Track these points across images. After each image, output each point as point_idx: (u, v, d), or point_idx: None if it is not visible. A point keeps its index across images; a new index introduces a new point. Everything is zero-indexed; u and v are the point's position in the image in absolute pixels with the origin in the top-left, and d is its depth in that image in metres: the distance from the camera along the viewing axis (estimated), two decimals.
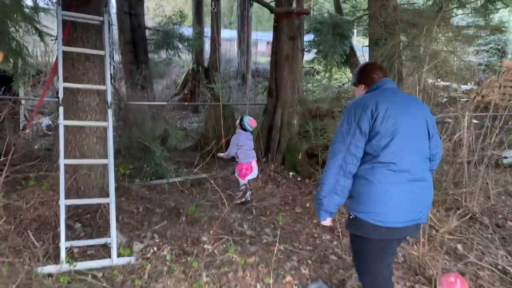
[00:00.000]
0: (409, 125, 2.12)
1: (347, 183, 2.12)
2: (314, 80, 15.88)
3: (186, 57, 18.13)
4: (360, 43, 17.45)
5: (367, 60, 16.12)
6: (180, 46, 12.67)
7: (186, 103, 11.98)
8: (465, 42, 7.30)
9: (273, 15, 6.22)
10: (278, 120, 6.24)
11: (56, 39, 3.53)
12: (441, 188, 4.38)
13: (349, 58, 14.50)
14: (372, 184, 2.07)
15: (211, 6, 14.85)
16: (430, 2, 8.85)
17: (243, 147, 4.83)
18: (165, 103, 9.66)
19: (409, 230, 2.15)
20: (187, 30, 13.71)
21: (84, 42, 3.85)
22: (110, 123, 3.37)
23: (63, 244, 3.01)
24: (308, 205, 4.60)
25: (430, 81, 5.33)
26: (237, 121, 4.91)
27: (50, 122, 10.29)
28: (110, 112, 3.40)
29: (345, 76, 16.94)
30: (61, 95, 3.24)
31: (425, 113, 2.24)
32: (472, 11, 8.50)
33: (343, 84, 16.67)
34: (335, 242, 3.63)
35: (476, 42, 8.64)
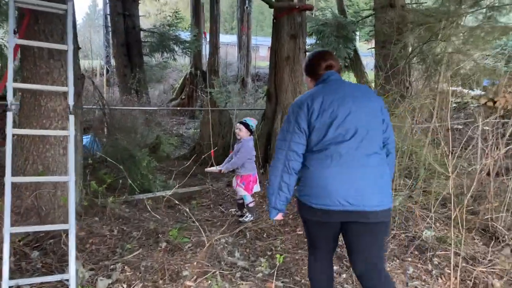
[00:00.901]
0: (349, 113, 2.13)
1: (291, 180, 2.19)
2: None
3: (184, 61, 17.63)
4: (362, 48, 16.92)
5: (370, 64, 15.43)
6: (177, 48, 12.11)
7: (178, 108, 11.37)
8: (481, 44, 6.74)
9: (272, 13, 5.64)
10: (278, 126, 5.64)
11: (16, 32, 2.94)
12: (461, 205, 3.80)
13: (353, 61, 13.96)
14: (308, 169, 2.15)
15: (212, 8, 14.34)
16: (440, 1, 8.33)
17: (251, 156, 4.32)
18: (155, 108, 9.05)
19: (351, 216, 2.09)
20: (185, 35, 13.15)
21: (47, 35, 3.27)
22: (72, 132, 2.78)
23: (6, 283, 2.40)
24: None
25: (444, 86, 4.75)
26: (241, 127, 4.32)
27: None
28: (72, 119, 2.80)
29: (349, 80, 16.42)
30: (10, 98, 2.64)
31: (374, 100, 2.23)
32: (487, 10, 7.94)
33: None
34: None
35: (492, 44, 8.06)
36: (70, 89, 2.85)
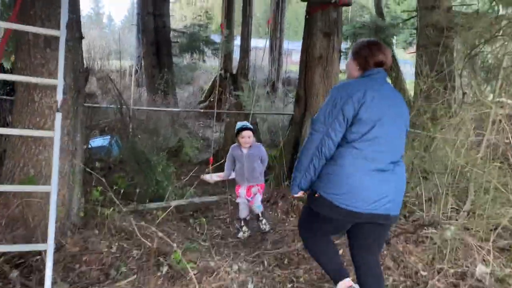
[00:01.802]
0: (392, 117, 2.15)
1: (320, 164, 2.18)
2: None
3: (214, 63, 17.32)
4: (398, 55, 16.07)
5: (407, 74, 14.62)
6: (206, 50, 11.74)
7: (201, 110, 10.96)
8: None
9: (305, 9, 5.11)
10: (306, 133, 5.07)
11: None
12: None
13: (391, 68, 13.21)
14: (341, 167, 2.10)
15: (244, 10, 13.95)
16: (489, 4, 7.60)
17: (237, 161, 3.99)
18: (177, 109, 8.66)
19: (373, 218, 2.14)
20: (216, 36, 12.79)
21: (44, 21, 2.87)
22: (57, 133, 2.34)
23: None
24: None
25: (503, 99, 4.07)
26: (250, 134, 3.88)
27: None
28: (59, 117, 2.36)
29: None
30: None
31: (405, 107, 2.27)
32: None
33: None
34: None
35: None
36: (60, 82, 2.41)
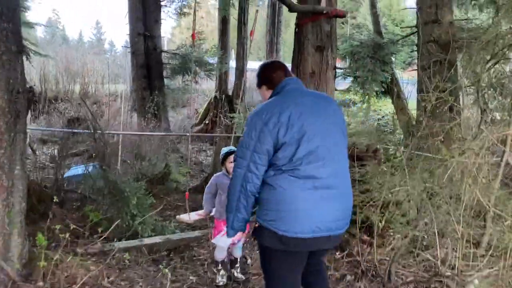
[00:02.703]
0: (318, 128, 2.02)
1: (249, 201, 2.04)
2: (349, 112, 14.09)
3: (210, 85, 16.92)
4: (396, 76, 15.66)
5: (408, 92, 14.09)
6: (199, 71, 11.31)
7: (188, 134, 10.43)
8: None
9: (295, 21, 4.64)
10: None
11: None
12: None
13: (390, 88, 12.73)
14: (276, 190, 1.98)
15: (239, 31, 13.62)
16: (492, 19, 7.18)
17: (222, 192, 3.34)
18: (162, 133, 8.13)
19: (320, 242, 2.00)
20: (210, 59, 12.40)
21: None
22: None
23: None
24: None
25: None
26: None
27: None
28: None
29: (384, 108, 15.11)
30: None
31: (337, 111, 2.16)
32: None
33: (382, 117, 14.81)
34: None
35: None
36: None
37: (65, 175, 6.98)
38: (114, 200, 4.74)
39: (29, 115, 11.90)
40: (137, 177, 7.19)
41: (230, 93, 13.86)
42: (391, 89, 12.60)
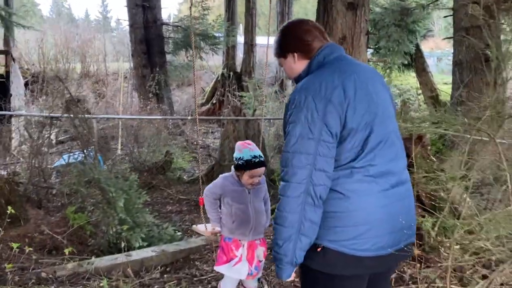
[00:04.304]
0: (384, 108, 1.53)
1: (318, 215, 1.42)
2: None
3: (216, 61, 15.92)
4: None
5: (434, 67, 12.89)
6: (203, 45, 10.33)
7: (179, 117, 9.53)
8: None
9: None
10: None
11: None
12: None
13: (415, 59, 11.60)
14: (348, 199, 1.43)
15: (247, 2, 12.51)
16: None
17: (231, 202, 2.33)
18: (160, 117, 7.23)
19: (396, 257, 1.50)
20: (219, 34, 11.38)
21: None
22: None
23: None
24: None
25: None
26: (262, 170, 2.32)
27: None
28: None
29: (407, 82, 13.99)
30: None
31: (387, 88, 1.64)
32: None
33: (404, 92, 13.69)
34: None
35: None
36: None
37: (54, 165, 6.20)
38: (98, 200, 3.92)
39: (27, 96, 11.16)
40: (135, 167, 6.38)
41: (238, 69, 12.88)
42: (415, 61, 11.53)
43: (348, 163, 1.46)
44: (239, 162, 2.27)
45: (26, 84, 11.54)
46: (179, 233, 4.14)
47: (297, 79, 1.62)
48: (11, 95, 9.21)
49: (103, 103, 12.39)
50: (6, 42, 10.14)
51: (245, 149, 2.30)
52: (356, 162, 1.45)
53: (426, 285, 2.48)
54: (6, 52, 9.55)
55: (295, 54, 1.61)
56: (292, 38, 1.63)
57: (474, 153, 3.28)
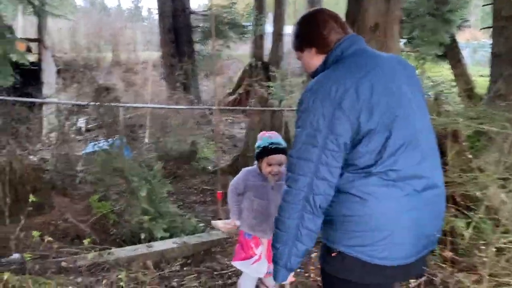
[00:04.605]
0: (409, 105, 1.40)
1: (317, 224, 1.39)
2: None
3: (244, 51, 15.80)
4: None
5: (469, 58, 12.38)
6: (232, 34, 10.22)
7: (208, 107, 9.44)
8: None
9: None
10: None
11: None
12: None
13: (450, 50, 11.12)
14: (365, 203, 1.34)
15: None
16: None
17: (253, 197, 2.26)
18: (184, 107, 7.18)
19: (417, 266, 1.44)
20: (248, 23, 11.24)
21: None
22: None
23: None
24: None
25: None
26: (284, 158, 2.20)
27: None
28: None
29: (441, 74, 13.47)
30: None
31: (416, 80, 1.52)
32: None
33: (437, 84, 13.19)
34: None
35: None
36: None
37: (82, 152, 6.27)
38: (122, 190, 3.92)
39: (59, 84, 11.38)
40: (161, 156, 6.39)
41: (266, 59, 12.71)
42: (449, 53, 11.06)
43: (366, 167, 1.37)
44: (257, 151, 2.21)
45: (58, 72, 11.78)
46: (201, 225, 4.10)
47: (313, 75, 1.53)
48: (42, 83, 9.41)
49: (132, 92, 12.53)
50: (39, 30, 10.32)
51: (264, 137, 2.25)
52: (374, 168, 1.36)
53: None
54: (39, 40, 9.74)
55: (312, 49, 1.52)
56: (307, 32, 1.54)
57: None
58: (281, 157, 2.18)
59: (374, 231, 1.36)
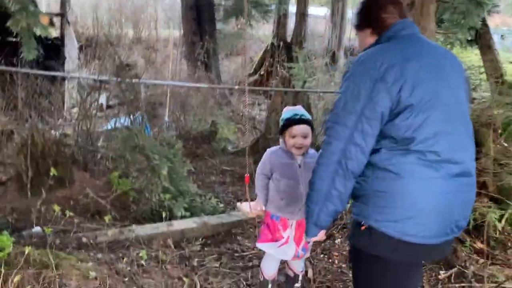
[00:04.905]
0: (451, 92, 1.48)
1: (347, 187, 1.47)
2: None
3: (266, 31, 15.53)
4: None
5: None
6: (254, 13, 10.01)
7: (236, 87, 9.31)
8: None
9: None
10: None
11: None
12: None
13: (480, 35, 10.69)
14: (399, 178, 1.41)
15: None
16: None
17: (280, 176, 2.15)
18: (206, 85, 7.08)
19: (445, 247, 1.53)
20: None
21: None
22: None
23: None
24: None
25: None
26: (309, 130, 2.13)
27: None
28: None
29: (470, 59, 13.04)
30: None
31: (463, 74, 1.59)
32: None
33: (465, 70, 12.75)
34: None
35: None
36: None
37: (103, 128, 6.27)
38: (142, 167, 3.87)
39: (81, 60, 11.40)
40: (180, 135, 6.34)
41: (288, 40, 12.46)
42: (480, 37, 10.63)
43: (405, 143, 1.43)
44: (281, 123, 2.14)
45: (80, 48, 11.78)
46: (221, 205, 4.06)
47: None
48: (65, 57, 9.40)
49: (152, 69, 12.48)
50: (62, 5, 10.28)
51: (288, 110, 2.16)
52: (414, 145, 1.41)
53: (493, 285, 2.21)
54: (62, 15, 9.71)
55: (370, 29, 1.64)
56: (370, 13, 1.66)
57: None
58: (305, 128, 2.08)
59: (405, 208, 1.41)
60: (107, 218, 2.76)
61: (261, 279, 2.28)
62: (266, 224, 2.21)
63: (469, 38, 10.25)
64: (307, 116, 2.11)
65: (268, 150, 2.24)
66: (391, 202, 1.43)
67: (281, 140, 2.18)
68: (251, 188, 2.31)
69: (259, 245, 2.24)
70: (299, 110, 2.14)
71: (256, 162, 2.45)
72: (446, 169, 1.43)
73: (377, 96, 1.40)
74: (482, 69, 11.27)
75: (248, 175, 2.22)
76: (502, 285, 2.21)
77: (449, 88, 1.49)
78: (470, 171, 1.50)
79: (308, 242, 2.17)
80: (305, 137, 2.07)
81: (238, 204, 2.40)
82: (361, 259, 1.58)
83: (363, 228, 1.49)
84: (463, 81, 1.57)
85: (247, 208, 2.25)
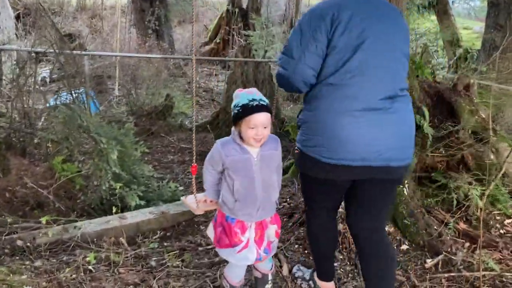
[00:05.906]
0: (381, 38, 1.67)
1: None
2: None
3: None
4: None
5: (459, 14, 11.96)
6: None
7: (180, 57, 8.79)
8: None
9: None
10: None
11: None
12: None
13: (437, 1, 10.64)
14: (316, 111, 1.70)
15: None
16: None
17: (233, 175, 1.80)
18: (159, 56, 6.54)
19: (368, 172, 1.68)
20: None
21: None
22: None
23: None
24: None
25: None
26: (269, 117, 1.75)
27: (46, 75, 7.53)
28: None
29: (425, 26, 13.05)
30: None
31: (403, 27, 1.77)
32: None
33: (421, 36, 12.77)
34: None
35: None
36: None
37: (47, 105, 5.65)
38: (89, 150, 3.42)
39: (19, 30, 10.35)
40: (132, 111, 5.84)
41: (244, 6, 11.91)
42: (437, 3, 10.59)
43: (325, 79, 1.66)
44: (234, 111, 1.74)
45: (17, 17, 10.70)
46: (181, 188, 3.70)
47: None
48: None
49: (99, 40, 11.60)
50: None
51: (241, 93, 1.77)
52: (333, 78, 1.64)
53: (487, 273, 2.02)
54: None
55: None
56: None
57: None
58: (266, 116, 1.72)
59: (320, 136, 1.67)
60: (44, 220, 2.33)
61: (226, 287, 1.96)
62: (221, 226, 1.86)
63: (426, 4, 10.20)
64: (266, 101, 1.74)
65: (217, 141, 1.81)
66: (312, 131, 1.71)
67: (233, 130, 1.79)
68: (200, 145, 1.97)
69: (218, 250, 1.92)
70: (256, 94, 1.76)
71: (218, 137, 2.09)
72: (360, 101, 1.62)
73: (318, 32, 1.63)
74: (438, 35, 11.32)
75: (196, 164, 1.86)
76: (492, 272, 2.04)
77: (380, 30, 1.66)
78: (383, 107, 1.65)
79: (272, 241, 1.88)
80: (265, 127, 1.72)
81: (183, 198, 2.02)
82: (302, 178, 1.97)
83: (297, 151, 1.82)
84: (404, 34, 1.74)
85: (193, 204, 1.90)
